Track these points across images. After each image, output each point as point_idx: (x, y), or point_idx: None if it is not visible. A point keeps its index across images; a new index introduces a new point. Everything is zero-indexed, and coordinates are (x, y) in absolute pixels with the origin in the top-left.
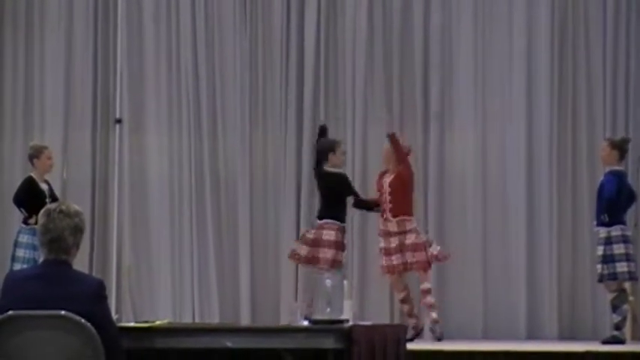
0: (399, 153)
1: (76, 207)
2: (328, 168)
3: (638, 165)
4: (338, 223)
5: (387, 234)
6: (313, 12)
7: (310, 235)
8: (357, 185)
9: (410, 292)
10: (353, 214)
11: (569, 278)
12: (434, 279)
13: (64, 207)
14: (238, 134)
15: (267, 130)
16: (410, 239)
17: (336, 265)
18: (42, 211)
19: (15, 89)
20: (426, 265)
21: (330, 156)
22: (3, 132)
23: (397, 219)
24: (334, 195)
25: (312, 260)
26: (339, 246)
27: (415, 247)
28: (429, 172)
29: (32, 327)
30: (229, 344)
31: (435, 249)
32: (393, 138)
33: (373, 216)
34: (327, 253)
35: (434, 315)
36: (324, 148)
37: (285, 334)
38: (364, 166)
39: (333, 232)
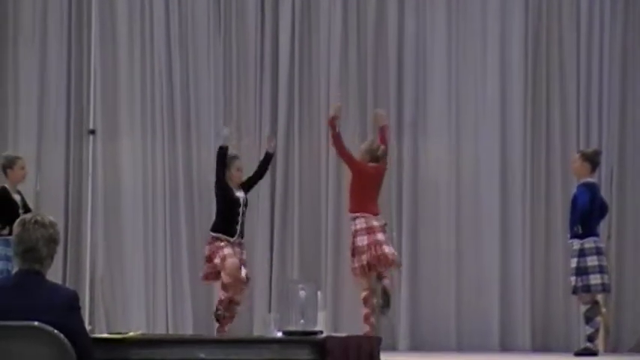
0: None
1: (51, 218)
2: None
3: (611, 177)
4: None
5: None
6: (287, 20)
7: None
8: (331, 194)
9: (371, 294)
10: (328, 223)
11: (543, 290)
12: (406, 289)
13: (39, 217)
14: (212, 143)
15: (241, 139)
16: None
17: None
18: (17, 221)
19: None
20: (357, 272)
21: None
22: None
23: (349, 216)
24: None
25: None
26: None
27: (353, 252)
28: (402, 181)
29: (5, 337)
30: (202, 356)
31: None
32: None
33: (348, 226)
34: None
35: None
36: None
37: (259, 346)
38: (339, 174)
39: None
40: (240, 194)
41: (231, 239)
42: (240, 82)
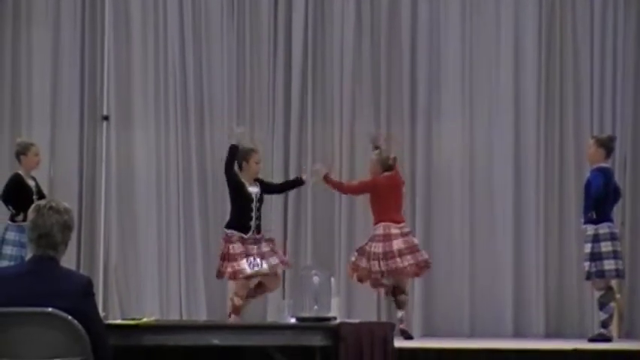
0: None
1: (65, 204)
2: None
3: (624, 163)
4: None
5: None
6: (301, 8)
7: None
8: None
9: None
10: (341, 210)
11: (556, 276)
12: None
13: (53, 203)
14: (226, 131)
15: (254, 127)
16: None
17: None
18: (32, 207)
19: (2, 86)
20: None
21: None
22: None
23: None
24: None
25: None
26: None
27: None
28: (416, 168)
29: (19, 324)
30: (216, 342)
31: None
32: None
33: (361, 214)
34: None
35: None
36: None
37: (273, 332)
38: (351, 164)
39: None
40: (253, 189)
41: (245, 235)
42: (253, 70)
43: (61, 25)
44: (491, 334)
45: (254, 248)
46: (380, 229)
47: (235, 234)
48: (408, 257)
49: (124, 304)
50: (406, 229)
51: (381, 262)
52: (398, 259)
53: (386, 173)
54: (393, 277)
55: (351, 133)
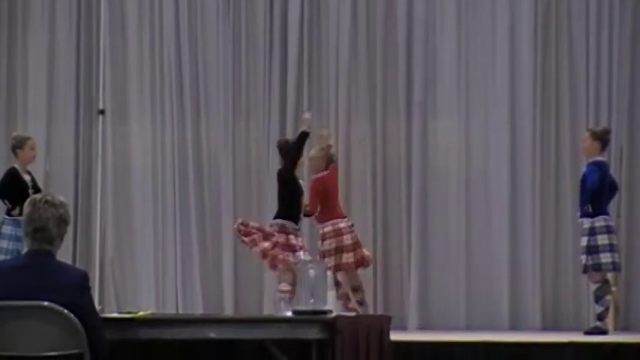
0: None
1: (61, 198)
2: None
3: (620, 156)
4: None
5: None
6: (297, 5)
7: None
8: (341, 179)
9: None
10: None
11: (552, 269)
12: (416, 270)
13: (49, 197)
14: (222, 126)
15: (250, 122)
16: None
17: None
18: (27, 201)
19: None
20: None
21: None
22: None
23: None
24: None
25: None
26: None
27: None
28: (412, 162)
29: (15, 317)
30: (213, 335)
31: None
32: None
33: (355, 209)
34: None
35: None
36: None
37: (269, 325)
38: (347, 161)
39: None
40: (301, 182)
41: (297, 227)
42: (249, 66)
43: (56, 26)
44: (488, 328)
45: (299, 240)
46: (329, 226)
47: (290, 225)
48: (351, 254)
49: (120, 298)
50: (350, 222)
51: (330, 258)
52: (345, 255)
53: (325, 171)
54: (338, 272)
55: (347, 130)
